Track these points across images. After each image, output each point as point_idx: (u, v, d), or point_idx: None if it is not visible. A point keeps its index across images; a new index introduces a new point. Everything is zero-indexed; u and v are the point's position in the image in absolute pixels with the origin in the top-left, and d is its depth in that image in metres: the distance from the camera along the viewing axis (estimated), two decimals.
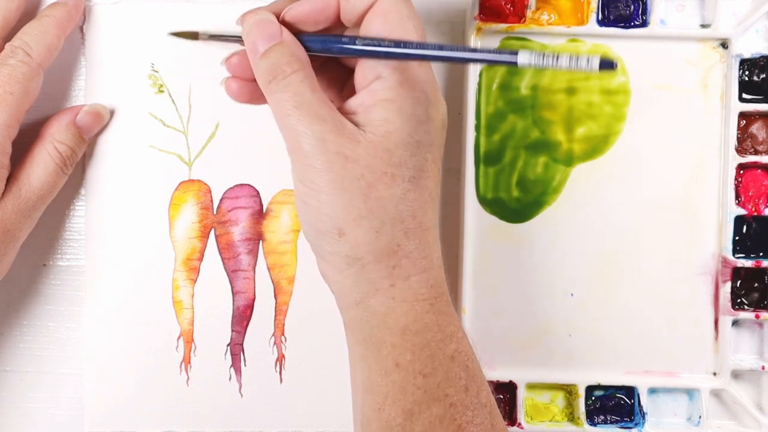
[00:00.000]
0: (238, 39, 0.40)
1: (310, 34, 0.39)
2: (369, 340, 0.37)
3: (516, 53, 0.35)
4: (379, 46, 0.37)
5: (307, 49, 0.38)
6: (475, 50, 0.37)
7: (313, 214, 0.37)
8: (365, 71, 0.38)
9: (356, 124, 0.37)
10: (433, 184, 0.37)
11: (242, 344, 0.47)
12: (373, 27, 0.37)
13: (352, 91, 0.39)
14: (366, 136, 0.36)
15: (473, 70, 0.45)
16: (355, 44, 0.37)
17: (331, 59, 0.41)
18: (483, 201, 0.46)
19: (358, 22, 0.38)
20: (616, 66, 0.35)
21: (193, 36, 0.43)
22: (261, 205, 0.47)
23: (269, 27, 0.38)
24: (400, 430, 0.36)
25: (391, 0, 0.37)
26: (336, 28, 0.39)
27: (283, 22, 0.38)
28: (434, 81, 0.38)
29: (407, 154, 0.36)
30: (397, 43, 0.37)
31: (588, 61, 0.35)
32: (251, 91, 0.40)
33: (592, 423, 0.46)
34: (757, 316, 0.46)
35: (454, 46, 0.37)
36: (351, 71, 0.40)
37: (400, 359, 0.36)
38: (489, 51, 0.37)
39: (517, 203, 0.47)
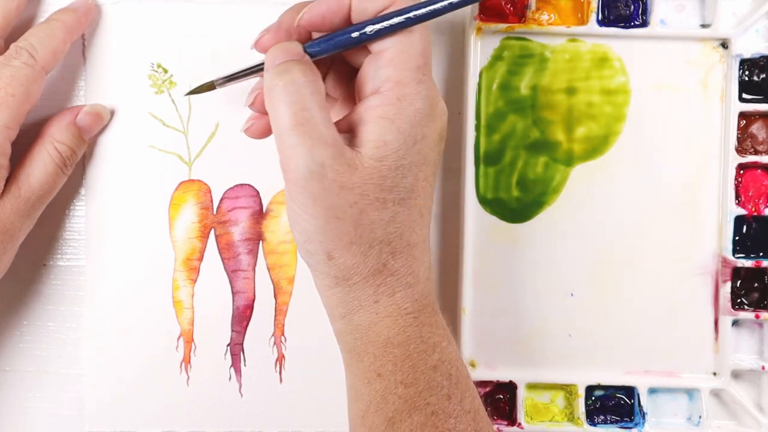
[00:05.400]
0: (252, 70, 0.40)
1: (318, 38, 0.39)
2: (353, 350, 0.38)
3: None
4: (386, 20, 0.37)
5: (319, 53, 0.38)
6: None
7: (303, 235, 0.37)
8: (366, 81, 0.38)
9: (352, 143, 0.36)
10: (422, 202, 0.37)
11: (242, 344, 0.47)
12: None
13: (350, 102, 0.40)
14: (363, 161, 0.36)
15: (473, 71, 0.45)
16: (365, 30, 0.37)
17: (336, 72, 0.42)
18: (483, 201, 0.46)
19: None
20: None
21: (210, 87, 0.42)
22: (261, 205, 0.47)
23: (292, 47, 0.38)
24: None
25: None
26: None
27: (299, 27, 0.38)
28: (435, 96, 0.38)
29: (399, 177, 0.36)
30: (401, 12, 0.37)
31: None
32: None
33: (592, 423, 0.46)
34: (757, 316, 0.46)
35: None
36: (350, 83, 0.40)
37: (382, 369, 0.37)
38: None
39: (517, 203, 0.47)
